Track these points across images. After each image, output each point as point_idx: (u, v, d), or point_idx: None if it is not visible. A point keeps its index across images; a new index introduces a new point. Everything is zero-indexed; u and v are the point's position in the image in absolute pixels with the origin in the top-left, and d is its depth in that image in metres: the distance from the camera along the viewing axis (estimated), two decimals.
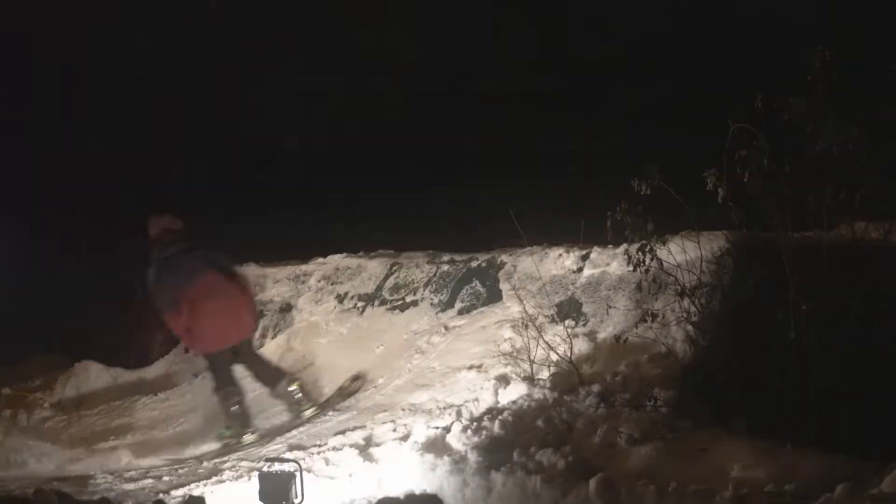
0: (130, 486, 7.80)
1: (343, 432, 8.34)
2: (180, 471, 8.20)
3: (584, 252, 9.33)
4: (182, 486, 7.65)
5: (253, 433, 9.28)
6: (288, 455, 7.82)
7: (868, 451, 5.60)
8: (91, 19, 16.55)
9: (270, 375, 9.81)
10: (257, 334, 11.87)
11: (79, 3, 16.43)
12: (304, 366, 10.60)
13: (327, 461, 7.63)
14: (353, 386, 9.70)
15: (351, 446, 7.85)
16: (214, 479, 7.73)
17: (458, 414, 7.91)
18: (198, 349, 9.79)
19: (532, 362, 8.17)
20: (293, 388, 9.69)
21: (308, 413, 9.43)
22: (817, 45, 6.73)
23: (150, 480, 7.94)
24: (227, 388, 9.49)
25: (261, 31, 17.50)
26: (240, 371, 9.75)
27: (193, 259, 9.37)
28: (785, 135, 6.86)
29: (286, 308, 11.95)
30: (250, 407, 9.59)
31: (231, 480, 7.63)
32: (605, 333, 8.39)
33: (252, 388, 9.87)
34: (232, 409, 9.41)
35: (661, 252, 7.55)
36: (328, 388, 9.85)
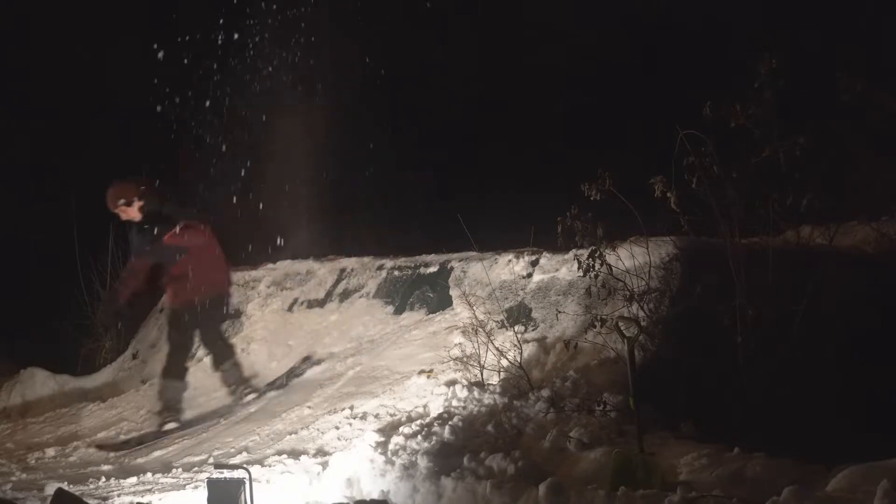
0: (76, 493, 7.68)
1: (291, 439, 8.29)
2: (124, 481, 8.08)
3: (533, 258, 9.36)
4: (128, 494, 7.56)
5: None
6: (237, 461, 7.75)
7: (814, 453, 5.66)
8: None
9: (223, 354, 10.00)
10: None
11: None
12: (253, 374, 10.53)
13: (276, 468, 7.58)
14: (303, 367, 9.94)
15: (300, 453, 7.82)
16: (161, 486, 7.65)
17: (409, 419, 7.89)
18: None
19: (482, 368, 8.17)
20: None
21: (248, 399, 9.65)
22: (764, 52, 6.82)
23: (93, 488, 7.82)
24: (170, 380, 9.71)
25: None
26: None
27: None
28: (733, 141, 6.93)
29: (235, 314, 11.86)
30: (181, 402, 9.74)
31: (179, 489, 7.56)
32: (554, 339, 8.42)
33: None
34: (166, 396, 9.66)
35: (611, 257, 7.61)
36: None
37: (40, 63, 16.94)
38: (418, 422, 7.69)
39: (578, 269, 7.62)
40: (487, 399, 7.70)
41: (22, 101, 16.57)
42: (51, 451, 9.36)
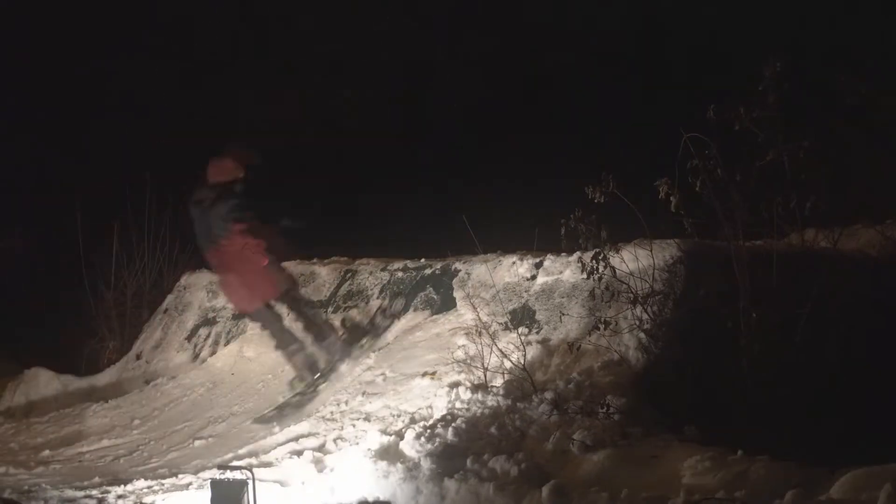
0: (79, 494, 7.69)
1: (296, 439, 8.30)
2: (128, 485, 8.07)
3: (537, 260, 9.35)
4: (131, 494, 7.57)
5: (323, 378, 9.38)
6: (240, 463, 7.75)
7: (817, 457, 5.66)
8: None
9: (318, 329, 9.81)
10: (210, 341, 11.79)
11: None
12: (260, 373, 10.52)
13: (280, 469, 7.59)
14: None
15: (303, 454, 7.81)
16: (165, 488, 7.66)
17: (412, 421, 7.90)
18: (237, 307, 9.98)
19: (486, 370, 8.17)
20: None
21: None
22: (769, 56, 6.82)
23: (96, 491, 7.82)
24: (287, 346, 9.59)
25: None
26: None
27: (225, 210, 9.22)
28: (737, 144, 6.94)
29: (239, 315, 11.85)
30: (315, 354, 9.68)
31: (182, 489, 7.56)
32: (558, 341, 8.41)
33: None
34: (299, 361, 9.55)
35: (615, 260, 7.60)
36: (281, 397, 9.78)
37: (41, 63, 16.98)
38: (422, 423, 7.69)
39: (582, 271, 7.62)
40: (491, 401, 7.69)
41: (22, 101, 16.63)
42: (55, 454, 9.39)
